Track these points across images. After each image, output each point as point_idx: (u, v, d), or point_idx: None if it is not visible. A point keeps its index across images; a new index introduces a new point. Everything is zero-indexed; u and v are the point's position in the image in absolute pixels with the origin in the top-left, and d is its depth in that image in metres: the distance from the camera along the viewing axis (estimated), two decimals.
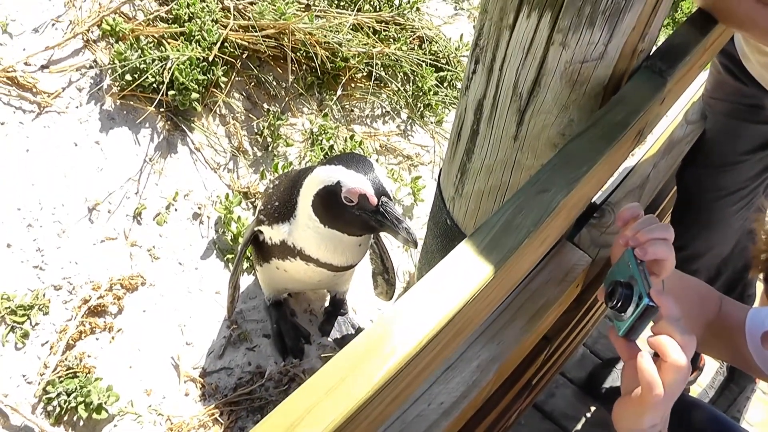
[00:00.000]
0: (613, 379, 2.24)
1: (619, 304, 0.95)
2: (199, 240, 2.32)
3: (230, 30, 2.46)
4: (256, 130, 2.53)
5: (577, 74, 1.04)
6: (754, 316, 1.23)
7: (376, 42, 2.80)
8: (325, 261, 1.79)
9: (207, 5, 2.48)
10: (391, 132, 2.80)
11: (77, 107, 2.27)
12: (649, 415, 0.91)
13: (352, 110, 2.77)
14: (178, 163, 2.37)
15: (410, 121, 2.86)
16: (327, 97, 2.71)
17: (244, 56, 2.52)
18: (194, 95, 2.32)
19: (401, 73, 2.86)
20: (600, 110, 1.05)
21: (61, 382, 1.90)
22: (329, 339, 2.25)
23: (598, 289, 1.44)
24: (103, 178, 2.23)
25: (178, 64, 2.29)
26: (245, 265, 2.33)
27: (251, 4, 2.56)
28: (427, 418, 1.07)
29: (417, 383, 0.83)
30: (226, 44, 2.45)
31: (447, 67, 2.97)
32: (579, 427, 2.20)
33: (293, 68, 2.59)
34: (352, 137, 2.64)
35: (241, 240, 2.24)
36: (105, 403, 1.89)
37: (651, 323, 0.94)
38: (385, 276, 2.13)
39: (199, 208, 2.35)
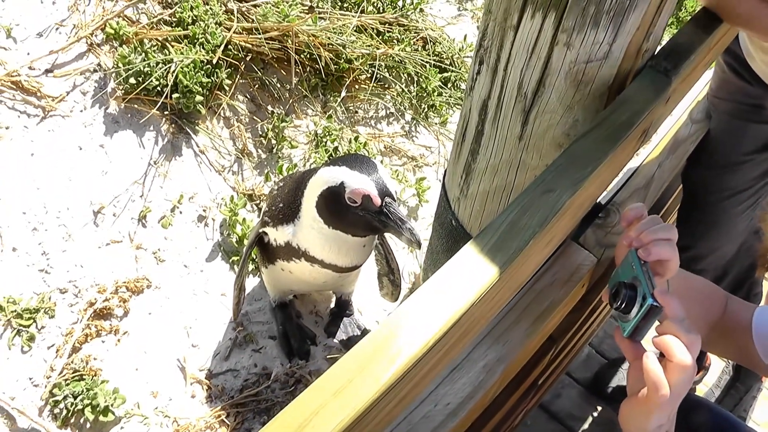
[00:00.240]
0: (619, 379, 2.24)
1: (624, 305, 0.95)
2: (204, 242, 2.32)
3: (234, 33, 2.46)
4: (260, 133, 2.53)
5: (581, 74, 1.04)
6: (760, 315, 1.22)
7: (380, 43, 2.80)
8: (329, 262, 1.79)
9: (210, 8, 2.48)
10: (395, 133, 2.81)
11: (81, 111, 2.27)
12: (655, 415, 0.91)
13: (357, 112, 2.78)
14: (182, 165, 2.37)
15: (414, 122, 2.86)
16: (331, 98, 2.71)
17: (248, 59, 2.53)
18: (198, 98, 2.33)
19: (405, 74, 2.87)
20: (605, 110, 1.05)
21: (67, 384, 1.90)
22: (335, 340, 2.25)
23: (603, 289, 1.44)
24: (107, 181, 2.24)
25: (182, 67, 2.30)
26: (250, 266, 2.33)
27: (255, 6, 2.57)
28: (434, 419, 1.07)
29: (424, 384, 0.83)
30: (229, 47, 2.45)
31: (451, 68, 2.97)
32: (585, 427, 2.19)
33: (297, 70, 2.59)
34: (356, 139, 2.64)
35: (246, 242, 2.25)
36: (112, 405, 1.89)
37: (656, 323, 0.94)
38: (390, 277, 2.13)
39: (204, 210, 2.35)
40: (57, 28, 2.33)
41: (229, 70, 2.46)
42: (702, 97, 1.93)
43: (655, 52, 1.14)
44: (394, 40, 2.88)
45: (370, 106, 2.80)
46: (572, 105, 1.09)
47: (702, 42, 1.17)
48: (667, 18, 1.10)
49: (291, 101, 2.63)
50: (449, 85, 2.97)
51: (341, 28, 2.68)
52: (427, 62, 2.89)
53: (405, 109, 2.85)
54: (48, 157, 2.18)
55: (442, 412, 1.08)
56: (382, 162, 2.70)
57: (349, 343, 2.23)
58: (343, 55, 2.66)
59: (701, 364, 2.37)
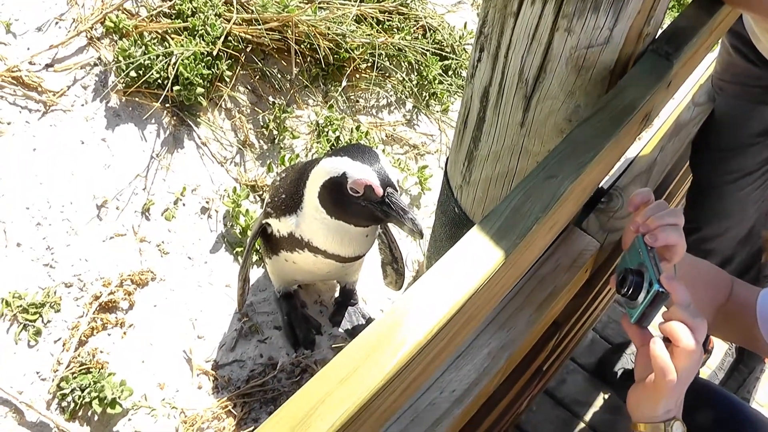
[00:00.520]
0: (624, 364, 2.24)
1: (631, 291, 0.96)
2: (207, 234, 2.33)
3: (233, 24, 2.46)
4: (261, 123, 2.53)
5: (582, 59, 1.04)
6: (765, 297, 1.22)
7: (380, 32, 2.79)
8: (332, 252, 1.79)
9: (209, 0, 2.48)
10: (396, 122, 2.80)
11: (83, 105, 2.27)
12: (663, 400, 0.91)
13: (358, 101, 2.77)
14: (185, 158, 2.37)
15: (416, 110, 2.86)
16: (332, 88, 2.71)
17: (248, 50, 2.52)
18: (199, 90, 2.33)
19: (406, 63, 2.86)
20: (606, 95, 1.04)
21: (74, 378, 1.92)
22: (340, 329, 2.26)
23: (606, 274, 1.44)
24: (110, 175, 2.24)
25: (182, 60, 2.29)
26: (254, 257, 2.34)
27: None
28: (440, 406, 1.07)
29: (429, 372, 0.84)
30: (229, 38, 2.45)
31: (451, 55, 2.96)
32: (590, 412, 2.20)
33: (297, 60, 2.59)
34: (358, 128, 2.64)
35: (249, 233, 2.25)
36: (119, 397, 1.90)
37: (663, 309, 0.94)
38: (394, 266, 2.14)
39: (207, 202, 2.35)
40: (56, 23, 2.33)
41: (229, 61, 2.46)
42: (705, 80, 1.92)
43: (657, 36, 1.14)
44: (394, 29, 2.87)
45: (371, 95, 2.80)
46: (573, 91, 1.09)
47: (703, 25, 1.16)
48: (668, 1, 1.10)
49: (292, 92, 2.62)
50: (450, 72, 2.96)
51: (341, 17, 2.68)
52: (427, 50, 2.88)
53: (406, 97, 2.85)
54: (50, 151, 2.18)
55: (447, 399, 1.08)
56: (384, 151, 2.69)
57: (354, 332, 2.24)
58: (344, 45, 2.65)
59: (705, 347, 2.38)
